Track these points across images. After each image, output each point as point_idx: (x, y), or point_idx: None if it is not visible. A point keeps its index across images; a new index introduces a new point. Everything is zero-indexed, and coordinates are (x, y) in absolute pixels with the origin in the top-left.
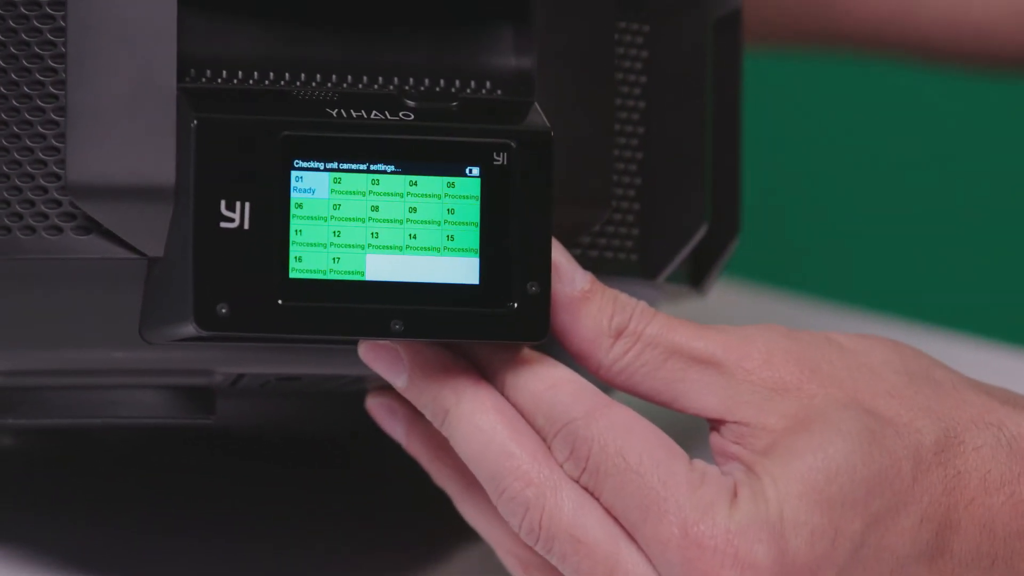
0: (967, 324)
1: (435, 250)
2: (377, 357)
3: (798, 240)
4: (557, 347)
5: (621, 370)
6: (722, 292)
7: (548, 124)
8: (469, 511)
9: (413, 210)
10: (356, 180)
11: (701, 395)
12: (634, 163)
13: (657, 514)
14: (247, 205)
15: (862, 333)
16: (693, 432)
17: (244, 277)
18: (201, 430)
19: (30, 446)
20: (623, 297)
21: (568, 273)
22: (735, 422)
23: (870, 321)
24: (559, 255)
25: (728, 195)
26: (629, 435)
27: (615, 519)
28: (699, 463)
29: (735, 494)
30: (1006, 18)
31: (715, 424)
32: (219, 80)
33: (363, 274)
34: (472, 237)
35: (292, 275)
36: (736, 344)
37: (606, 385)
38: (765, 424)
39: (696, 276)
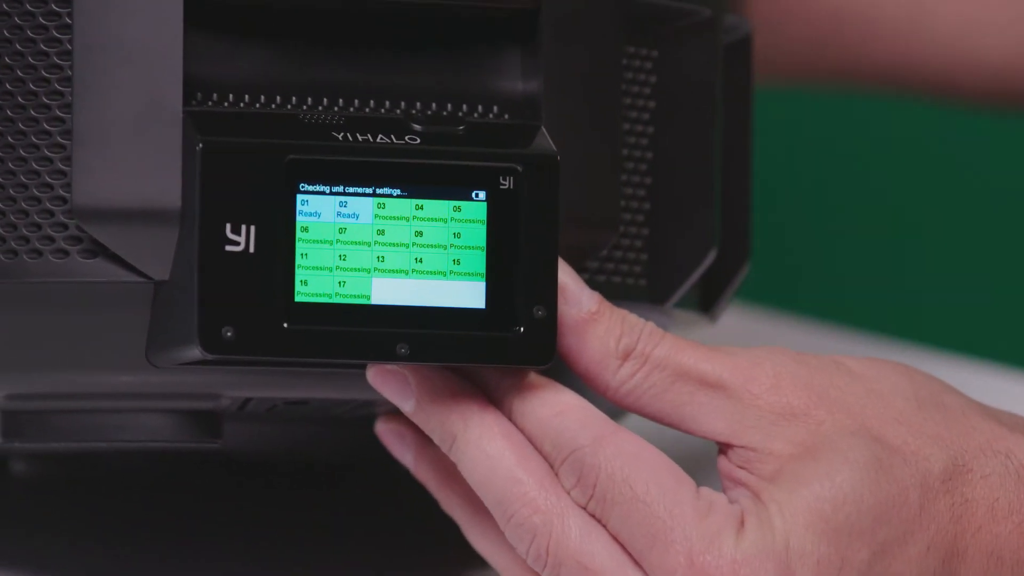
0: (978, 348)
1: (441, 274)
2: (385, 381)
3: (807, 265)
4: (565, 367)
5: (629, 392)
6: (732, 316)
7: (554, 148)
8: (477, 538)
9: (419, 234)
10: (362, 204)
11: (708, 418)
12: (643, 188)
13: (664, 543)
14: (252, 228)
15: (872, 357)
16: (702, 457)
17: (249, 300)
18: (208, 454)
19: (40, 471)
20: (631, 318)
21: (575, 295)
22: (742, 447)
23: (880, 345)
24: (566, 276)
25: (738, 221)
26: (636, 463)
27: (622, 546)
28: (706, 491)
29: (742, 523)
30: (1020, 57)
31: (723, 447)
32: (225, 103)
33: (369, 298)
34: (478, 261)
35: (298, 299)
36: (744, 367)
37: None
38: (772, 450)
39: (706, 302)
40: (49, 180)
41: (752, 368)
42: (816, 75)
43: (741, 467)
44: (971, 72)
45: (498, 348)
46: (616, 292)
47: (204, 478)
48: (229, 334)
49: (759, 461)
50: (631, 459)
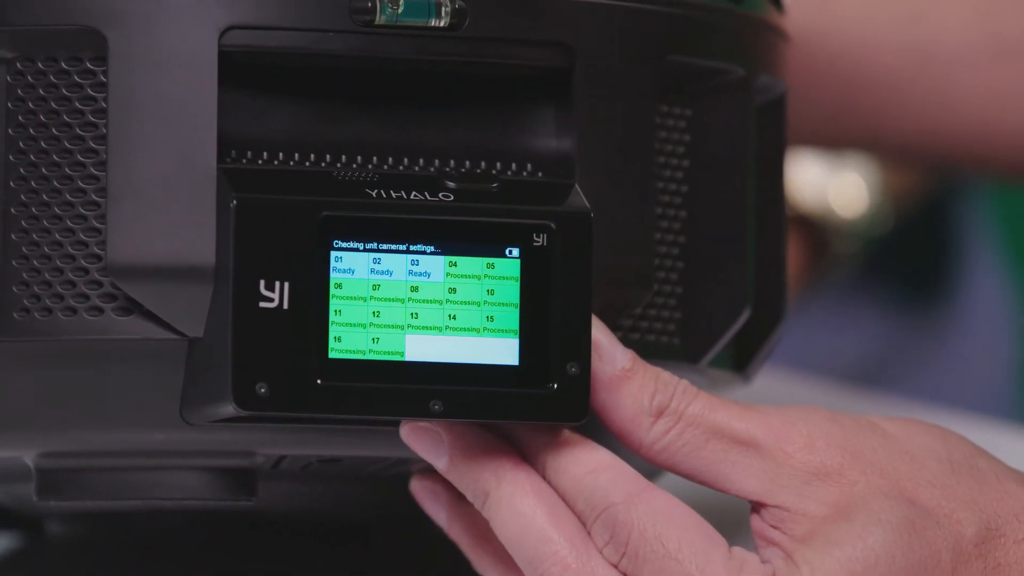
0: (1012, 412)
1: (475, 331)
2: (418, 438)
3: None
4: (599, 424)
5: (662, 449)
6: (766, 376)
7: (588, 206)
8: None
9: (453, 291)
10: (396, 260)
11: (742, 477)
12: (676, 246)
13: None
14: (286, 285)
15: (906, 418)
16: (735, 515)
17: (283, 357)
18: (242, 512)
19: (75, 531)
20: (665, 375)
21: (609, 351)
22: (775, 506)
23: (914, 407)
24: (600, 333)
25: (772, 280)
26: (668, 521)
27: None
28: (738, 551)
29: None
30: None
31: (756, 506)
32: (259, 161)
33: (403, 354)
34: (512, 318)
35: (331, 355)
36: (778, 426)
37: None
38: (805, 511)
39: (740, 361)
40: (84, 238)
41: (786, 427)
42: (840, 141)
43: (774, 527)
44: (996, 143)
45: (532, 405)
46: (650, 350)
47: (238, 537)
48: (263, 390)
49: (792, 521)
50: (663, 517)
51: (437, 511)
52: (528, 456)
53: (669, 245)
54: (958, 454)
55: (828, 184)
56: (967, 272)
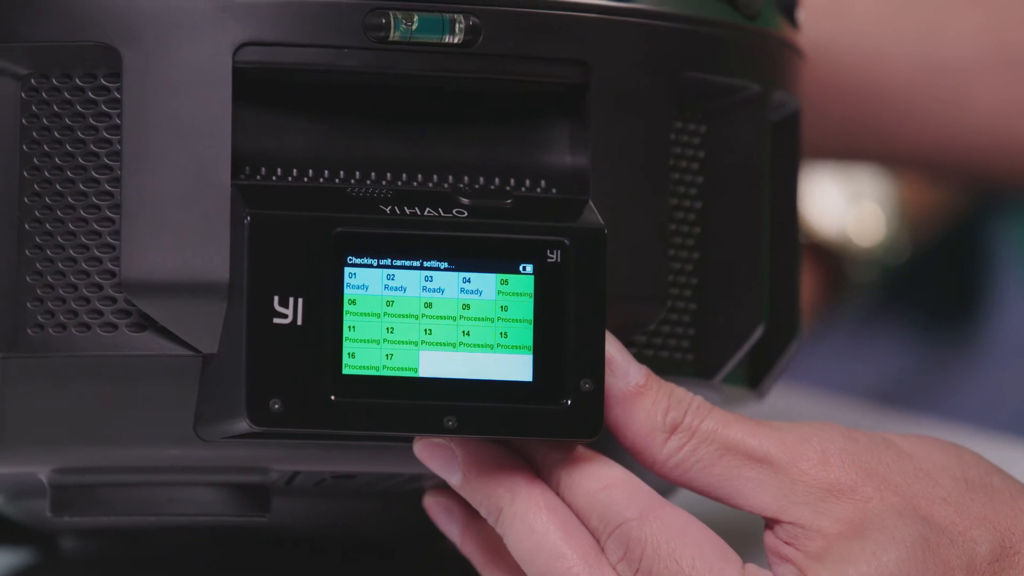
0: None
1: (488, 347)
2: (432, 454)
3: None
4: (612, 440)
5: (675, 465)
6: (780, 393)
7: (602, 222)
8: None
9: (466, 307)
10: (410, 277)
11: (756, 493)
12: (690, 262)
13: None
14: (300, 301)
15: (921, 435)
16: (749, 532)
17: (297, 373)
18: (256, 529)
19: (89, 547)
20: (679, 391)
21: (622, 367)
22: (789, 523)
23: (930, 425)
24: (613, 349)
25: (786, 297)
26: (682, 537)
27: None
28: (752, 568)
29: None
30: None
31: (770, 523)
32: (274, 177)
33: (416, 370)
34: (526, 334)
35: (345, 371)
36: (792, 443)
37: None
38: (819, 527)
39: (754, 378)
40: (98, 254)
41: (800, 443)
42: (854, 154)
43: (788, 543)
44: (1009, 154)
45: (545, 421)
46: (663, 367)
47: (252, 553)
48: (277, 406)
49: (806, 538)
50: (677, 533)
51: (450, 527)
52: (542, 472)
53: (683, 261)
54: (973, 472)
55: (846, 213)
56: (996, 295)
